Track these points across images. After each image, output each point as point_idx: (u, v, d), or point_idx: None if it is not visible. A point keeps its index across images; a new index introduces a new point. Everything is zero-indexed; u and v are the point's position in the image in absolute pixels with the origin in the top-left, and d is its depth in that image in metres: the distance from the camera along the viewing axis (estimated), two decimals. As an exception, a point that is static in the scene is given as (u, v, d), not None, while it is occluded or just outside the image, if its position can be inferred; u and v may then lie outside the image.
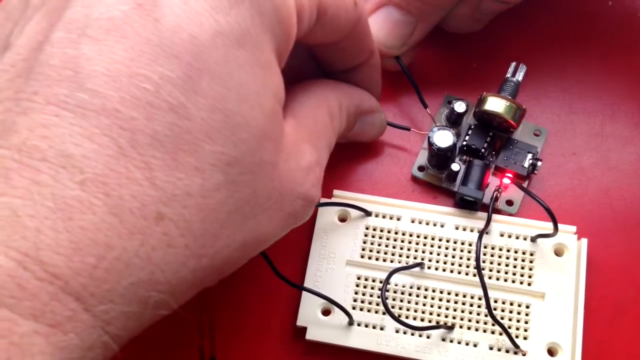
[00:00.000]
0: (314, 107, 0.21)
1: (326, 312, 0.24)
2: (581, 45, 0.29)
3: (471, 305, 0.24)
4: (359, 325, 0.24)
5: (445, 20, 0.27)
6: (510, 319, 0.24)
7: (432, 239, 0.25)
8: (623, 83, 0.28)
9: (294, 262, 0.26)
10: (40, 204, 0.13)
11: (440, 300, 0.24)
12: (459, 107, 0.26)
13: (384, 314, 0.24)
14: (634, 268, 0.25)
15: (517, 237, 0.25)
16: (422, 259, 0.25)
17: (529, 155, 0.26)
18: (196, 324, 0.25)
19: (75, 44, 0.15)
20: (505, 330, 0.23)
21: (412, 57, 0.28)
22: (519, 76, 0.26)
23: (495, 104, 0.25)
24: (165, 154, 0.15)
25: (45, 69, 0.14)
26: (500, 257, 0.25)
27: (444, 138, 0.25)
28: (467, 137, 0.26)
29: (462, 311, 0.24)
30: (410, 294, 0.24)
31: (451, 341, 0.24)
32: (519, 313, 0.24)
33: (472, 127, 0.26)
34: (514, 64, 0.26)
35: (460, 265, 0.25)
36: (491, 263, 0.25)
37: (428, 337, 0.24)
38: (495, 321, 0.23)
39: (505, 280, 0.24)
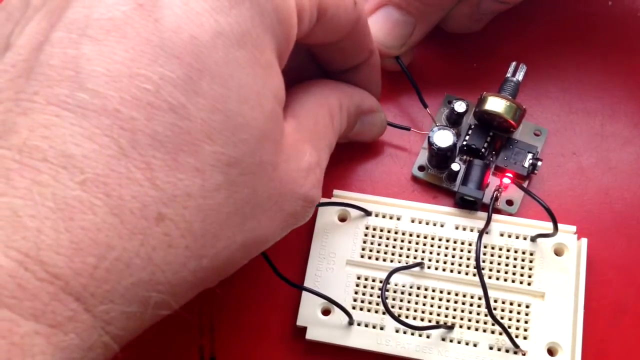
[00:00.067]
0: (315, 108, 0.21)
1: (326, 312, 0.24)
2: (581, 45, 0.29)
3: (471, 305, 0.24)
4: (359, 325, 0.24)
5: (444, 21, 0.27)
6: (510, 319, 0.24)
7: (432, 238, 0.25)
8: (623, 83, 0.28)
9: (294, 262, 0.26)
10: (40, 204, 0.13)
11: (440, 300, 0.24)
12: (459, 107, 0.26)
13: (384, 313, 0.24)
14: (634, 268, 0.25)
15: (517, 237, 0.25)
16: (422, 259, 0.25)
17: (529, 155, 0.26)
18: (196, 324, 0.25)
19: (75, 44, 0.15)
20: (505, 330, 0.23)
21: (412, 57, 0.28)
22: (519, 76, 0.26)
23: (496, 104, 0.25)
24: (166, 155, 0.15)
25: (45, 69, 0.14)
26: (500, 256, 0.25)
27: (444, 138, 0.25)
28: (467, 137, 0.26)
29: (462, 311, 0.24)
30: (410, 294, 0.24)
31: (451, 341, 0.24)
32: (518, 313, 0.24)
33: (472, 127, 0.26)
34: (514, 63, 0.26)
35: (460, 265, 0.25)
36: (491, 263, 0.25)
37: (428, 337, 0.24)
38: (495, 321, 0.23)
39: (505, 280, 0.24)
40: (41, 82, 0.14)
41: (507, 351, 0.23)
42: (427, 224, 0.25)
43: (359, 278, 0.25)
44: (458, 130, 0.27)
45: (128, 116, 0.14)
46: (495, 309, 0.24)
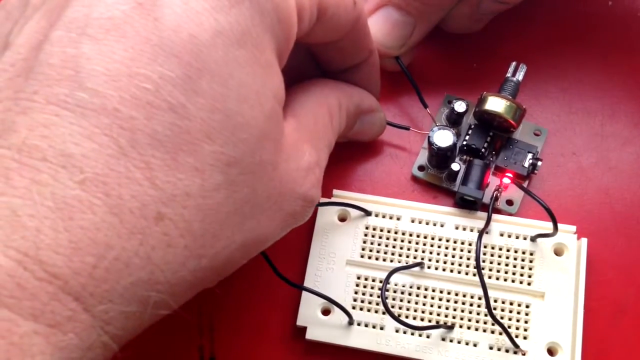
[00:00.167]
0: (314, 107, 0.21)
1: (326, 312, 0.24)
2: (581, 45, 0.29)
3: (471, 305, 0.24)
4: (358, 325, 0.24)
5: (444, 21, 0.27)
6: (510, 319, 0.24)
7: (432, 238, 0.25)
8: (623, 83, 0.28)
9: (294, 262, 0.26)
10: (40, 203, 0.13)
11: (440, 300, 0.24)
12: (459, 106, 0.26)
13: (383, 313, 0.24)
14: (634, 268, 0.25)
15: (517, 237, 0.25)
16: (422, 259, 0.25)
17: (529, 155, 0.26)
18: (196, 324, 0.25)
19: (75, 43, 0.15)
20: (505, 330, 0.23)
21: (412, 57, 0.28)
22: (519, 76, 0.26)
23: (496, 104, 0.25)
24: (165, 154, 0.15)
25: (45, 68, 0.14)
26: (500, 256, 0.25)
27: (444, 138, 0.25)
28: (467, 137, 0.26)
29: (462, 311, 0.24)
30: (410, 294, 0.24)
31: (451, 341, 0.24)
32: (518, 313, 0.24)
33: (472, 126, 0.26)
34: (514, 63, 0.26)
35: (460, 265, 0.25)
36: (491, 263, 0.25)
37: (428, 336, 0.24)
38: (495, 321, 0.23)
39: (505, 280, 0.24)
40: (41, 81, 0.14)
41: (507, 351, 0.23)
42: (427, 224, 0.25)
43: (359, 278, 0.25)
44: (458, 130, 0.27)
45: (127, 115, 0.14)
46: (495, 308, 0.24)
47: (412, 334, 0.24)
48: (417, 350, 0.24)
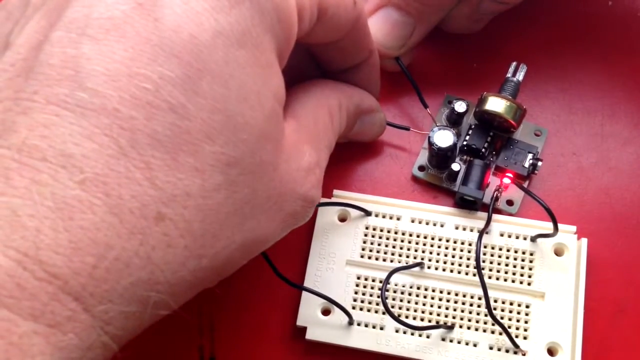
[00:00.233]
0: (314, 108, 0.21)
1: (326, 312, 0.24)
2: (581, 45, 0.29)
3: (471, 305, 0.24)
4: (358, 325, 0.24)
5: (444, 21, 0.27)
6: (510, 319, 0.24)
7: (432, 238, 0.25)
8: (623, 83, 0.28)
9: (294, 262, 0.26)
10: (40, 203, 0.13)
11: (440, 300, 0.24)
12: (460, 106, 0.26)
13: (383, 313, 0.24)
14: (634, 268, 0.25)
15: (517, 237, 0.25)
16: (422, 259, 0.25)
17: (530, 155, 0.26)
18: (196, 324, 0.25)
19: (75, 43, 0.15)
20: (505, 330, 0.23)
21: (412, 57, 0.28)
22: (520, 76, 0.26)
23: (496, 104, 0.25)
24: (165, 154, 0.15)
25: (45, 68, 0.14)
26: (500, 257, 0.25)
27: (444, 138, 0.25)
28: (467, 137, 0.26)
29: (462, 311, 0.24)
30: (410, 294, 0.24)
31: (451, 341, 0.24)
32: (518, 313, 0.24)
33: (473, 127, 0.26)
34: (514, 63, 0.26)
35: (460, 265, 0.25)
36: (491, 263, 0.25)
37: (428, 337, 0.24)
38: (495, 321, 0.23)
39: (505, 280, 0.24)
40: (41, 81, 0.14)
41: (507, 351, 0.23)
42: (427, 224, 0.25)
43: (359, 278, 0.25)
44: (458, 130, 0.27)
45: (127, 115, 0.14)
46: (495, 309, 0.24)
47: (412, 334, 0.24)
48: (417, 351, 0.24)
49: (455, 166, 0.26)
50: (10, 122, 0.14)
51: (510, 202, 0.26)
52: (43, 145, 0.14)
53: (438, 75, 0.29)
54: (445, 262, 0.25)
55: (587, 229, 0.25)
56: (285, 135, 0.18)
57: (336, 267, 0.25)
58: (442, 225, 0.25)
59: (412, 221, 0.25)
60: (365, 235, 0.25)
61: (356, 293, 0.24)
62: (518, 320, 0.24)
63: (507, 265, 0.25)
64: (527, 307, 0.24)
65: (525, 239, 0.25)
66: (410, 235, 0.25)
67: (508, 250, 0.25)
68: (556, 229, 0.23)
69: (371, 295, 0.24)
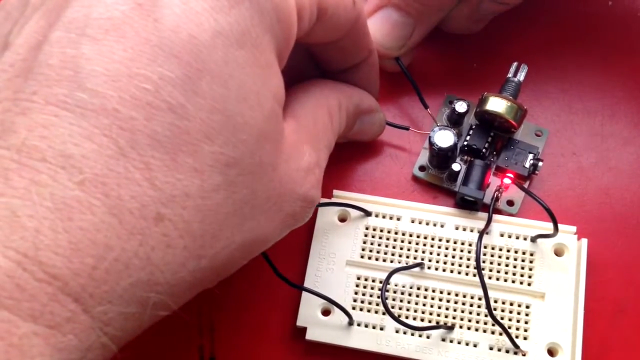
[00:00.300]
0: (314, 108, 0.21)
1: (326, 312, 0.24)
2: (581, 45, 0.29)
3: (471, 305, 0.24)
4: (359, 325, 0.24)
5: (444, 22, 0.27)
6: (510, 319, 0.24)
7: (432, 239, 0.25)
8: (623, 83, 0.28)
9: (294, 262, 0.26)
10: (39, 204, 0.13)
11: (440, 300, 0.24)
12: (460, 107, 0.26)
13: (384, 314, 0.24)
14: (634, 268, 0.25)
15: (517, 237, 0.25)
16: (422, 259, 0.25)
17: (530, 156, 0.26)
18: (196, 324, 0.25)
19: (74, 43, 0.15)
20: (505, 330, 0.23)
21: (411, 58, 0.28)
22: (521, 76, 0.26)
23: (497, 104, 0.25)
24: (165, 155, 0.15)
25: (44, 68, 0.14)
26: (500, 257, 0.25)
27: (444, 138, 0.25)
28: (468, 137, 0.26)
29: (462, 311, 0.24)
30: (410, 294, 0.24)
31: (451, 341, 0.24)
32: (519, 313, 0.24)
33: (473, 127, 0.26)
34: (515, 64, 0.26)
35: (460, 266, 0.25)
36: (491, 263, 0.25)
37: (428, 337, 0.24)
38: (495, 321, 0.23)
39: (505, 281, 0.24)
40: (40, 81, 0.14)
41: (507, 351, 0.23)
42: (427, 224, 0.25)
43: (358, 278, 0.25)
44: (459, 131, 0.27)
45: (127, 116, 0.14)
46: (495, 309, 0.24)
47: (412, 334, 0.24)
48: (417, 351, 0.24)
49: (455, 166, 0.26)
50: (9, 122, 0.14)
51: (510, 203, 0.26)
52: (42, 145, 0.14)
53: (438, 76, 0.29)
54: (445, 263, 0.25)
55: (587, 229, 0.25)
56: (285, 136, 0.18)
57: (336, 268, 0.25)
58: (442, 226, 0.25)
59: (412, 221, 0.25)
60: (365, 235, 0.25)
61: (356, 293, 0.24)
62: (518, 321, 0.24)
63: (507, 265, 0.25)
64: (527, 307, 0.24)
65: (525, 239, 0.25)
66: (411, 235, 0.25)
67: (508, 251, 0.25)
68: (556, 229, 0.23)
69: (371, 296, 0.24)
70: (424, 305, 0.24)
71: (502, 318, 0.24)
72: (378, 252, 0.25)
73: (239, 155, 0.16)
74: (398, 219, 0.25)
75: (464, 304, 0.24)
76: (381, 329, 0.24)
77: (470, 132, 0.26)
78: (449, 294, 0.24)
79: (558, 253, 0.25)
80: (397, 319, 0.23)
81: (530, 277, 0.24)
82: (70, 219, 0.13)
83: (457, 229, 0.25)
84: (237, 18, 0.16)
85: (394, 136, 0.27)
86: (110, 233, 0.14)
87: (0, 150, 0.14)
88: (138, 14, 0.15)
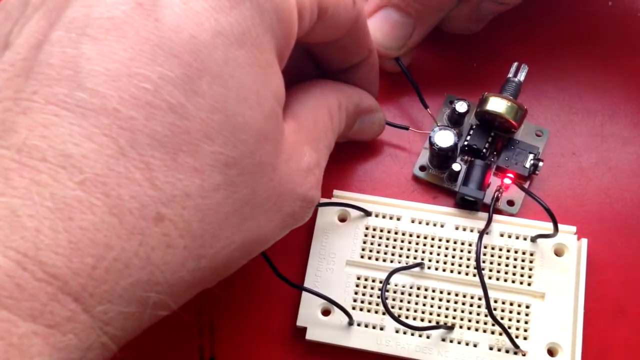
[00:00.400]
0: (314, 108, 0.21)
1: (326, 312, 0.24)
2: (581, 45, 0.29)
3: (471, 305, 0.24)
4: (359, 325, 0.24)
5: (444, 22, 0.27)
6: (510, 319, 0.24)
7: (432, 239, 0.25)
8: (623, 83, 0.28)
9: (294, 262, 0.26)
10: (39, 204, 0.13)
11: (440, 300, 0.24)
12: (461, 107, 0.26)
13: (384, 314, 0.24)
14: (634, 268, 0.25)
15: (517, 237, 0.25)
16: (422, 259, 0.25)
17: (531, 156, 0.26)
18: (196, 324, 0.25)
19: (75, 43, 0.15)
20: (505, 331, 0.23)
21: (411, 58, 0.28)
22: (521, 76, 0.26)
23: (497, 104, 0.25)
24: (165, 154, 0.15)
25: (44, 68, 0.14)
26: (500, 257, 0.25)
27: (445, 138, 0.25)
28: (468, 137, 0.26)
29: (462, 311, 0.24)
30: (410, 294, 0.24)
31: (451, 341, 0.24)
32: (519, 313, 0.24)
33: (474, 127, 0.26)
34: (515, 64, 0.26)
35: (460, 266, 0.25)
36: (491, 263, 0.25)
37: (428, 337, 0.24)
38: (495, 321, 0.23)
39: (505, 281, 0.24)
40: (40, 81, 0.14)
41: (507, 351, 0.23)
42: (427, 224, 0.25)
43: (358, 278, 0.25)
44: (459, 131, 0.27)
45: (127, 115, 0.14)
46: (495, 309, 0.24)
47: (412, 334, 0.24)
48: (417, 351, 0.24)
49: (456, 166, 0.26)
50: (10, 122, 0.14)
51: (511, 203, 0.26)
52: (43, 145, 0.14)
53: (438, 76, 0.29)
54: (445, 263, 0.25)
55: (587, 229, 0.25)
56: (285, 136, 0.18)
57: (336, 268, 0.25)
58: (442, 226, 0.25)
59: (412, 221, 0.25)
60: (365, 235, 0.25)
61: (356, 293, 0.24)
62: (518, 321, 0.24)
63: (507, 265, 0.25)
64: (527, 307, 0.24)
65: (525, 239, 0.25)
66: (411, 235, 0.25)
67: (508, 251, 0.25)
68: (556, 229, 0.23)
69: (371, 296, 0.24)
70: (424, 305, 0.24)
71: (502, 318, 0.24)
72: (378, 252, 0.25)
73: (239, 155, 0.16)
74: (398, 219, 0.25)
75: (464, 304, 0.24)
76: (381, 329, 0.24)
77: (471, 132, 0.26)
78: (449, 294, 0.24)
79: (558, 253, 0.25)
80: (397, 319, 0.23)
81: (530, 277, 0.24)
82: (70, 218, 0.13)
83: (457, 229, 0.25)
84: (238, 18, 0.16)
85: (394, 136, 0.27)
86: (111, 233, 0.14)
87: (1, 150, 0.14)
88: (139, 13, 0.15)
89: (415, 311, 0.24)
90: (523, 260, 0.25)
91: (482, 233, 0.23)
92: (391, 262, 0.25)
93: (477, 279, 0.24)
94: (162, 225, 0.15)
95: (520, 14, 0.28)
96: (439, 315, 0.24)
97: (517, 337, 0.24)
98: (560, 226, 0.24)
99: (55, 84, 0.14)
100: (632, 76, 0.28)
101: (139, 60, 0.14)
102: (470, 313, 0.24)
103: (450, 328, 0.24)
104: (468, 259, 0.25)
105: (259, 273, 0.25)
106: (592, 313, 0.24)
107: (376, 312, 0.24)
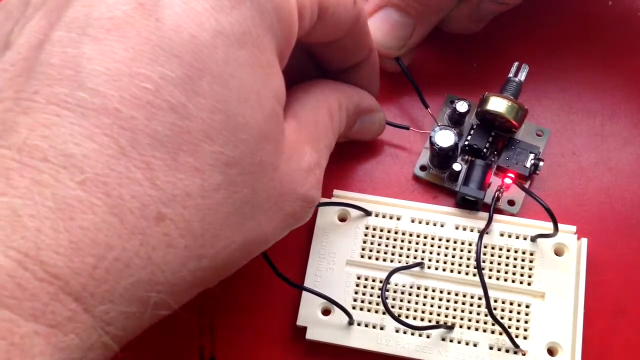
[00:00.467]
0: (315, 108, 0.21)
1: (326, 312, 0.24)
2: (581, 45, 0.29)
3: (471, 305, 0.24)
4: (359, 325, 0.24)
5: (444, 22, 0.27)
6: (510, 319, 0.24)
7: (433, 238, 0.25)
8: (623, 83, 0.28)
9: (294, 262, 0.26)
10: (40, 203, 0.13)
11: (440, 300, 0.24)
12: (461, 106, 0.26)
13: (384, 313, 0.24)
14: (634, 268, 0.25)
15: (517, 237, 0.25)
16: (422, 259, 0.25)
17: (531, 156, 0.26)
18: (196, 324, 0.25)
19: (75, 43, 0.15)
20: (505, 330, 0.23)
21: (412, 57, 0.28)
22: (522, 76, 0.26)
23: (497, 104, 0.25)
24: (166, 154, 0.15)
25: (45, 68, 0.14)
26: (500, 257, 0.25)
27: (445, 138, 0.25)
28: (469, 137, 0.26)
29: (462, 311, 0.24)
30: (410, 294, 0.24)
31: (451, 341, 0.24)
32: (519, 313, 0.24)
33: (475, 127, 0.26)
34: (516, 63, 0.26)
35: (460, 265, 0.25)
36: (491, 263, 0.25)
37: (428, 336, 0.24)
38: (495, 321, 0.23)
39: (506, 280, 0.24)
40: (41, 81, 0.14)
41: (507, 351, 0.23)
42: (427, 224, 0.25)
43: (359, 278, 0.25)
44: (460, 130, 0.27)
45: (128, 115, 0.14)
46: (495, 309, 0.24)
47: (412, 334, 0.24)
48: (417, 351, 0.24)
49: (456, 166, 0.26)
50: (11, 122, 0.14)
51: (511, 202, 0.26)
52: (44, 145, 0.14)
53: (438, 76, 0.29)
54: (445, 262, 0.25)
55: (587, 229, 0.25)
56: (286, 136, 0.18)
57: (336, 267, 0.25)
58: (442, 225, 0.25)
59: (412, 221, 0.25)
60: (365, 235, 0.25)
61: (356, 293, 0.24)
62: (518, 320, 0.24)
63: (507, 265, 0.25)
64: (527, 307, 0.24)
65: (525, 239, 0.25)
66: (411, 235, 0.25)
67: (508, 250, 0.25)
68: (556, 229, 0.23)
69: (371, 295, 0.24)
70: (424, 304, 0.24)
71: (502, 318, 0.24)
72: (378, 251, 0.25)
73: (240, 154, 0.16)
74: (398, 219, 0.25)
75: (464, 303, 0.24)
76: (381, 328, 0.24)
77: (471, 132, 0.26)
78: (449, 293, 0.24)
79: (558, 253, 0.25)
80: (397, 318, 0.23)
81: (530, 276, 0.24)
82: (71, 218, 0.13)
83: (457, 228, 0.25)
84: (238, 18, 0.16)
85: (394, 136, 0.27)
86: (111, 232, 0.14)
87: (2, 149, 0.14)
88: (139, 13, 0.15)
89: (416, 311, 0.24)
90: (523, 260, 0.25)
91: (482, 233, 0.24)
92: (391, 261, 0.25)
93: (477, 278, 0.24)
94: (163, 224, 0.15)
95: (520, 14, 0.28)
96: (439, 314, 0.24)
97: (517, 336, 0.24)
98: (560, 226, 0.24)
99: (56, 83, 0.14)
100: (632, 76, 0.28)
101: (140, 60, 0.14)
102: (471, 313, 0.24)
103: (450, 328, 0.24)
104: (468, 259, 0.25)
105: (259, 273, 0.25)
106: (592, 313, 0.24)
107: (376, 311, 0.24)
